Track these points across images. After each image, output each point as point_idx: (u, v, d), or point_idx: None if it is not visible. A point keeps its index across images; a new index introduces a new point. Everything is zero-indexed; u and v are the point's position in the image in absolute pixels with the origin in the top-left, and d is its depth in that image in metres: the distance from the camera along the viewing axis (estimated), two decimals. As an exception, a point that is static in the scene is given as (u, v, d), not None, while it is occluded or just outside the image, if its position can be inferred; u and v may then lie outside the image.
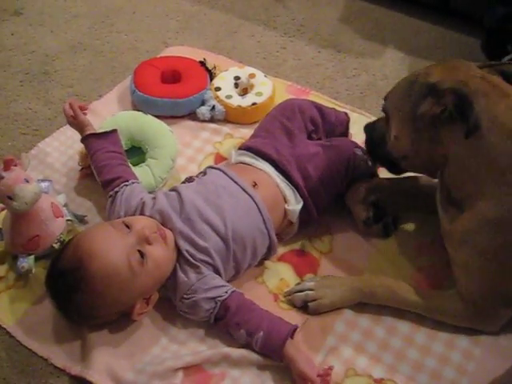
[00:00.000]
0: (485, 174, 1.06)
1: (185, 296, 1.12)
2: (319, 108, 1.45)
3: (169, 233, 1.13)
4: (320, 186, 1.29)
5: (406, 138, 1.16)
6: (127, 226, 1.10)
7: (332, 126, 1.45)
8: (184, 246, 1.13)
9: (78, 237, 1.12)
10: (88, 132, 1.32)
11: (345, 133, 1.48)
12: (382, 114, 1.41)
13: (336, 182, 1.31)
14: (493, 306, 1.13)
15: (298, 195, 1.27)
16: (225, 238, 1.15)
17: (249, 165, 1.30)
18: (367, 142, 1.32)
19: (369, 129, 1.32)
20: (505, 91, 1.07)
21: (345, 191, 1.34)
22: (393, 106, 1.19)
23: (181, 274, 1.13)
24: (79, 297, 1.07)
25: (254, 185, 1.24)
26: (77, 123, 1.35)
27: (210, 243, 1.14)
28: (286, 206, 1.26)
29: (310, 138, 1.41)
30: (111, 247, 1.06)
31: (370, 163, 1.35)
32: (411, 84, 1.13)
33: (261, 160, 1.30)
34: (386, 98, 1.23)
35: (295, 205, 1.26)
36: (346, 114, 1.51)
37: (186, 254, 1.13)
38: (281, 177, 1.28)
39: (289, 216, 1.27)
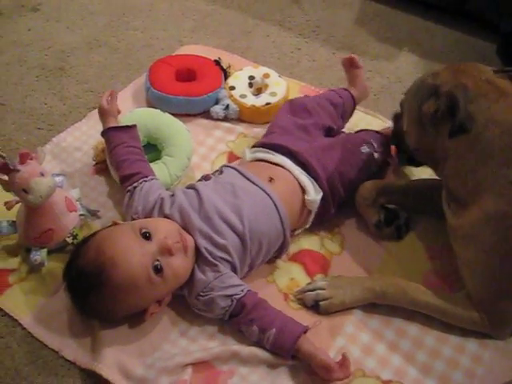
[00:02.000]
0: (482, 169, 1.09)
1: (201, 293, 1.13)
2: (326, 98, 1.49)
3: (190, 240, 1.13)
4: (337, 178, 1.30)
5: (414, 133, 1.26)
6: (148, 234, 1.09)
7: (343, 108, 1.49)
8: (203, 243, 1.14)
9: (101, 238, 1.11)
10: (110, 125, 1.34)
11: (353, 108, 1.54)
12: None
13: (351, 176, 1.32)
14: (501, 306, 1.12)
15: (317, 186, 1.28)
16: (242, 236, 1.16)
17: (264, 160, 1.31)
18: (393, 132, 1.42)
19: (396, 119, 1.39)
20: (505, 91, 1.11)
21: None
22: (405, 102, 1.29)
23: (198, 273, 1.13)
24: (96, 299, 1.08)
25: (270, 180, 1.25)
26: (108, 109, 1.35)
27: (228, 241, 1.14)
28: (305, 196, 1.26)
29: (329, 131, 1.44)
30: (133, 257, 1.06)
31: (376, 156, 1.37)
32: (421, 84, 1.22)
33: (276, 154, 1.31)
34: (405, 94, 1.31)
35: (315, 195, 1.27)
36: (343, 89, 1.54)
37: (205, 252, 1.13)
38: (299, 169, 1.29)
39: (308, 206, 1.27)
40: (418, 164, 1.39)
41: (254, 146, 1.37)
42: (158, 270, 1.07)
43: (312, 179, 1.28)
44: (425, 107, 1.17)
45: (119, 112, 1.39)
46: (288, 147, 1.30)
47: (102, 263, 1.05)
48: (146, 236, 1.09)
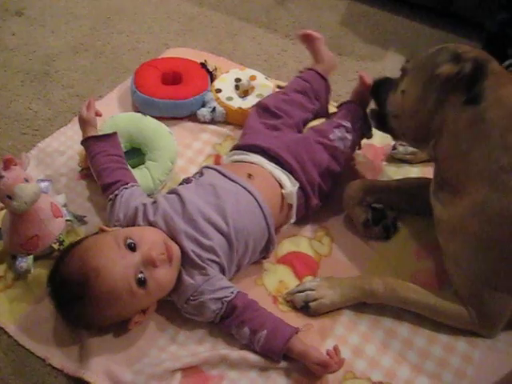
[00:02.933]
0: (476, 150, 1.09)
1: (191, 298, 1.12)
2: (292, 88, 1.48)
3: (175, 250, 1.12)
4: (312, 168, 1.31)
5: (413, 95, 1.19)
6: (133, 245, 1.08)
7: (313, 90, 1.48)
8: (190, 246, 1.13)
9: (85, 248, 1.09)
10: (90, 134, 1.33)
11: (327, 87, 1.51)
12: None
13: (327, 166, 1.33)
14: (488, 300, 1.12)
15: (293, 178, 1.29)
16: (228, 235, 1.15)
17: (241, 161, 1.32)
18: (374, 85, 1.37)
19: (381, 79, 1.36)
20: None
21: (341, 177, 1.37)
22: (415, 64, 1.22)
23: (186, 277, 1.12)
24: (80, 308, 1.07)
25: (250, 176, 1.25)
26: (86, 119, 1.34)
27: (214, 241, 1.14)
28: (282, 190, 1.27)
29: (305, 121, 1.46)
30: (115, 269, 1.04)
31: (349, 137, 1.37)
32: (440, 49, 1.17)
33: (251, 154, 1.32)
34: (408, 60, 1.26)
35: (291, 187, 1.27)
36: (308, 69, 1.53)
37: (193, 255, 1.12)
38: (273, 164, 1.30)
39: (287, 199, 1.27)
40: (385, 129, 1.35)
41: (230, 151, 1.39)
42: (141, 282, 1.06)
43: (287, 172, 1.29)
44: (441, 69, 1.12)
45: (100, 115, 1.38)
46: (259, 145, 1.32)
47: (86, 273, 1.04)
48: (131, 246, 1.08)
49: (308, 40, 1.55)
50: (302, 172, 1.30)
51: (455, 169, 1.13)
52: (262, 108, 1.45)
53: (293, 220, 1.31)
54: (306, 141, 1.35)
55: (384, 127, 1.34)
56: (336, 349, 1.08)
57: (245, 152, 1.33)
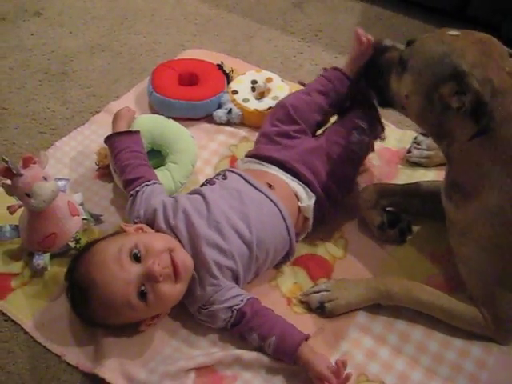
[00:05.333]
0: (490, 164, 1.07)
1: (202, 307, 1.13)
2: (315, 88, 1.39)
3: (185, 263, 1.08)
4: (329, 178, 1.29)
5: (417, 102, 1.14)
6: (139, 255, 1.06)
7: (336, 92, 1.38)
8: (209, 253, 1.11)
9: (92, 254, 1.09)
10: (120, 129, 1.34)
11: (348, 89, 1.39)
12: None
13: (344, 171, 1.31)
14: (501, 304, 1.11)
15: (310, 191, 1.27)
16: (249, 244, 1.14)
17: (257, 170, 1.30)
18: (369, 64, 1.28)
19: (379, 52, 1.26)
20: None
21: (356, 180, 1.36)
22: (416, 63, 1.13)
23: (198, 288, 1.12)
24: (88, 309, 1.08)
25: (270, 186, 1.24)
26: (123, 114, 1.38)
27: (233, 247, 1.13)
28: (299, 203, 1.25)
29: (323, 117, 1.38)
30: (114, 284, 1.04)
31: (366, 140, 1.35)
32: (443, 56, 1.08)
33: (267, 164, 1.29)
34: (409, 43, 1.17)
35: (308, 201, 1.26)
36: (334, 68, 1.41)
37: (211, 263, 1.11)
38: (289, 176, 1.27)
39: (303, 212, 1.26)
40: (387, 107, 1.27)
41: (246, 156, 1.35)
42: (142, 294, 1.05)
43: (304, 185, 1.27)
44: (443, 89, 1.07)
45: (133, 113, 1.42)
46: (274, 157, 1.29)
47: (88, 284, 1.05)
48: (136, 257, 1.06)
49: (360, 44, 1.33)
50: (318, 183, 1.27)
51: (467, 174, 1.12)
52: (281, 106, 1.39)
53: (309, 230, 1.30)
54: (322, 148, 1.31)
55: (388, 106, 1.27)
56: (339, 364, 1.04)
57: (260, 162, 1.30)
